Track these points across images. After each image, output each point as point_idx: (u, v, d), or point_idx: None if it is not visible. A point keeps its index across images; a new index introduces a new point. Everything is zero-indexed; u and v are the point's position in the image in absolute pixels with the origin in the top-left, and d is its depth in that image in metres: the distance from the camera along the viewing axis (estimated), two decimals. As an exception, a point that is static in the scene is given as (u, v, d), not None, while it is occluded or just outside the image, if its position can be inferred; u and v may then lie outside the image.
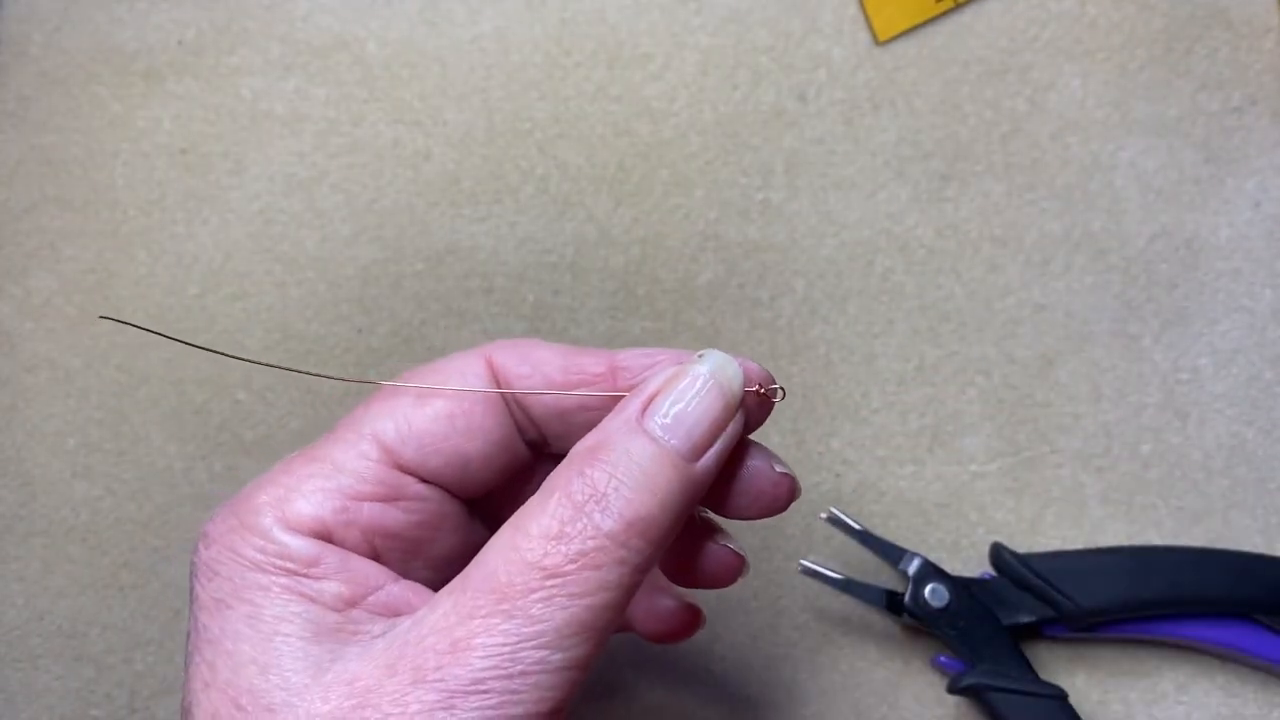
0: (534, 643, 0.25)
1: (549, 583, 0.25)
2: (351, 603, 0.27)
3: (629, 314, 0.42)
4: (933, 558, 0.39)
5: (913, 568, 0.39)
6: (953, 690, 0.38)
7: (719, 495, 0.30)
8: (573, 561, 0.25)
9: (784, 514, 0.41)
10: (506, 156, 0.43)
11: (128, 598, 0.42)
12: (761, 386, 0.29)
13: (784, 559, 0.41)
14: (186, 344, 0.32)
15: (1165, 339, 0.41)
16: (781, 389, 0.30)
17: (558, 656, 0.25)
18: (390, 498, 0.29)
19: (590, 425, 0.29)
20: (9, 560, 0.42)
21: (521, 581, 0.25)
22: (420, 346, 0.42)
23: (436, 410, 0.30)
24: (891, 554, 0.39)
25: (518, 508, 0.29)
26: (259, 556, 0.27)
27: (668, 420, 0.27)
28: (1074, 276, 0.42)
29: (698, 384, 0.28)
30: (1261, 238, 0.42)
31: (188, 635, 0.28)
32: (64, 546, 0.42)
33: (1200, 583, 0.38)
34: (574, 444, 0.30)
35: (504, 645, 0.25)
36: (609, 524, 0.26)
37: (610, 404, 0.29)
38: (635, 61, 0.43)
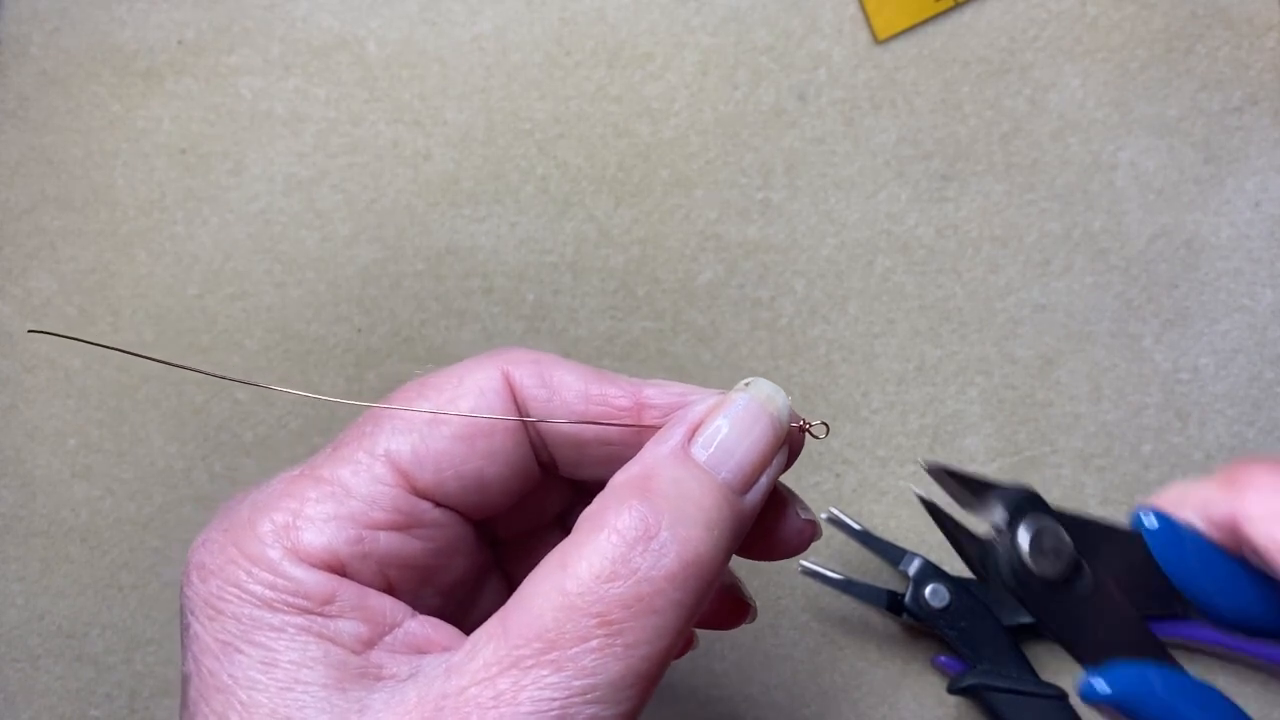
0: (585, 697, 0.23)
1: (602, 631, 0.23)
2: (370, 643, 0.25)
3: (629, 314, 0.42)
4: (933, 558, 0.39)
5: (913, 568, 0.39)
6: (953, 690, 0.38)
7: (748, 536, 0.28)
8: (627, 607, 0.23)
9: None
10: (506, 156, 0.43)
11: (127, 598, 0.42)
12: (805, 423, 0.28)
13: (784, 559, 0.41)
14: (132, 354, 0.30)
15: (1166, 339, 0.41)
16: (825, 424, 0.28)
17: (609, 712, 0.23)
18: (406, 526, 0.27)
19: (608, 459, 0.27)
20: (9, 560, 0.42)
21: (572, 629, 0.23)
22: (420, 346, 0.42)
23: (455, 429, 0.27)
24: (891, 554, 0.39)
25: (524, 528, 0.28)
26: (268, 594, 0.25)
27: (716, 451, 0.26)
28: (1074, 276, 0.42)
29: (747, 413, 0.26)
30: (1261, 238, 0.42)
31: (185, 678, 0.25)
32: (64, 547, 0.42)
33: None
34: (587, 472, 0.29)
35: (553, 700, 0.22)
36: (666, 564, 0.23)
37: (634, 437, 0.27)
38: (635, 61, 0.43)
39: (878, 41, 0.42)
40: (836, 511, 0.40)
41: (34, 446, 0.43)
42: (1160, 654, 0.24)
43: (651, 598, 0.23)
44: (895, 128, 0.42)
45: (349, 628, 0.25)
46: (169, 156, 0.43)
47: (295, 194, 0.43)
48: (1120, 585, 0.24)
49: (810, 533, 0.29)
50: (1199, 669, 0.39)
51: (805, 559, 0.40)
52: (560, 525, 0.32)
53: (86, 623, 0.42)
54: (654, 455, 0.25)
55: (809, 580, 0.40)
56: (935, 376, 0.42)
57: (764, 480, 0.26)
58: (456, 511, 0.28)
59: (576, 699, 0.22)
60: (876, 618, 0.40)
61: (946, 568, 0.39)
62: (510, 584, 0.31)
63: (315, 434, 0.42)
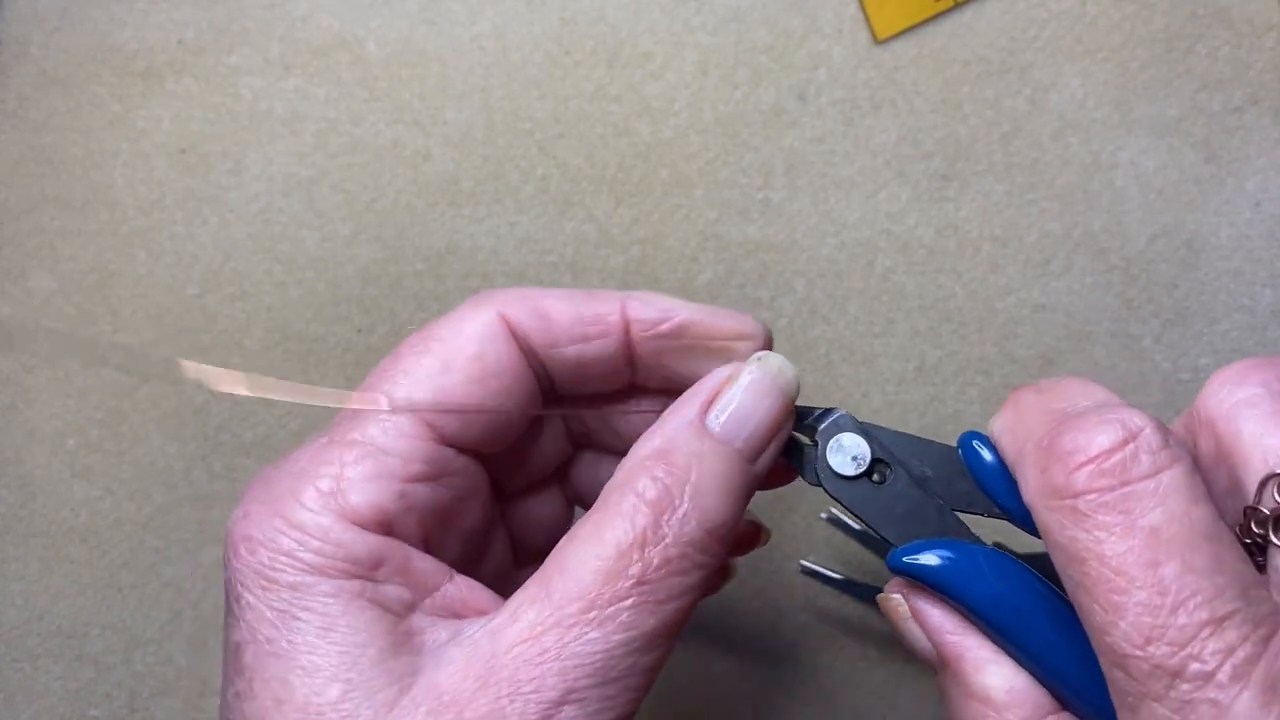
0: (625, 649, 0.25)
1: (638, 590, 0.25)
2: (411, 606, 0.27)
3: (629, 314, 0.42)
4: (933, 558, 0.39)
5: None
6: (953, 690, 0.38)
7: None
8: (658, 569, 0.25)
9: (784, 514, 0.41)
10: (506, 156, 0.43)
11: (127, 598, 0.42)
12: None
13: (784, 559, 0.41)
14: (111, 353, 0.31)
15: (1166, 339, 0.41)
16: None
17: (645, 659, 0.25)
18: (438, 475, 0.28)
19: (606, 376, 0.30)
20: (9, 560, 0.42)
21: (610, 591, 0.25)
22: (420, 346, 0.42)
23: (469, 375, 0.28)
24: (891, 554, 0.39)
25: (525, 482, 0.30)
26: (320, 560, 0.26)
27: (730, 422, 0.27)
28: (1074, 276, 0.42)
29: (760, 385, 0.28)
30: (1261, 238, 0.42)
31: (238, 646, 0.26)
32: (64, 547, 0.42)
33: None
34: (589, 388, 0.31)
35: (595, 653, 0.25)
36: (690, 530, 0.26)
37: (622, 356, 0.30)
38: (635, 61, 0.43)
39: (878, 41, 0.42)
40: (836, 511, 0.40)
41: (34, 446, 0.43)
42: (965, 535, 0.29)
43: (679, 560, 0.25)
44: (895, 128, 0.42)
45: (395, 592, 0.26)
46: (169, 156, 0.43)
47: (295, 194, 0.43)
48: (935, 487, 0.29)
49: (758, 534, 0.33)
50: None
51: (805, 559, 0.40)
52: (558, 480, 0.34)
53: (86, 623, 0.42)
54: (672, 427, 0.27)
55: (809, 580, 0.40)
56: (935, 376, 0.42)
57: (772, 448, 0.28)
58: (475, 456, 0.29)
59: (618, 651, 0.25)
60: (876, 618, 0.40)
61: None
62: (513, 538, 0.33)
63: (316, 432, 0.42)
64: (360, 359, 0.42)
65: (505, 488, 0.32)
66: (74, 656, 0.42)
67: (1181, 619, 0.23)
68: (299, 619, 0.26)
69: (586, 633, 0.25)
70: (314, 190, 0.43)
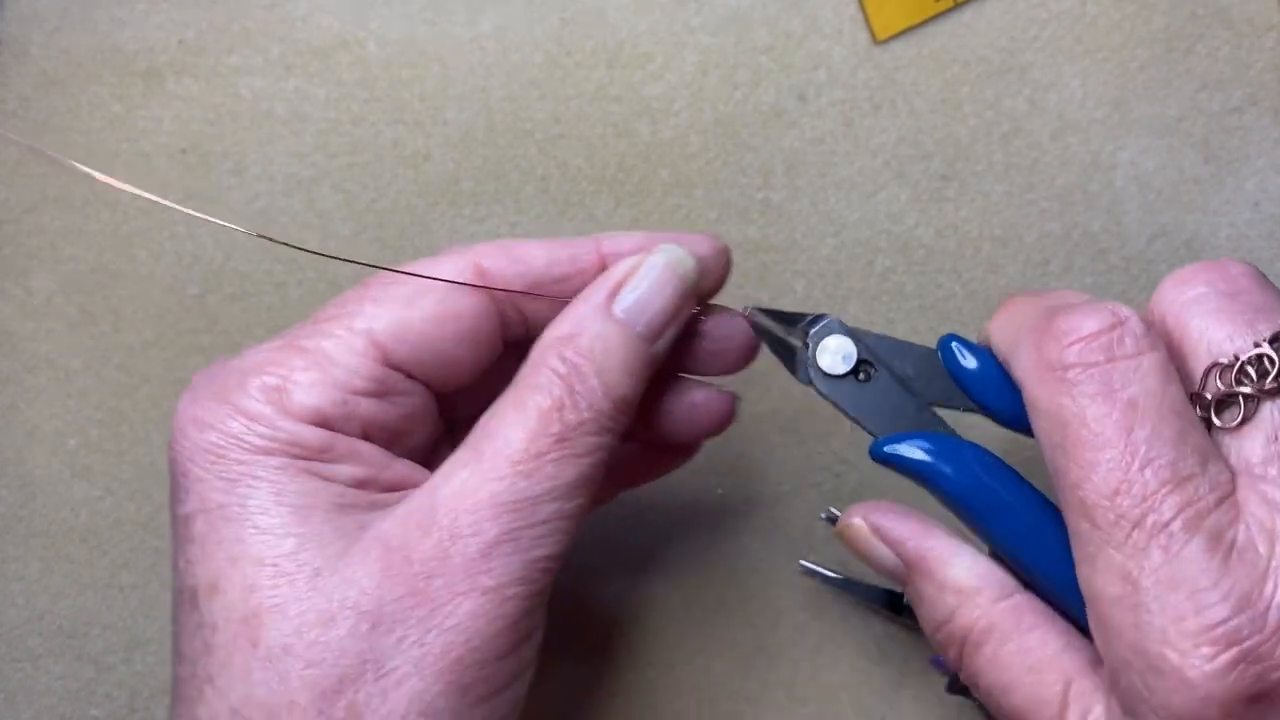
0: (550, 495, 0.28)
1: (559, 446, 0.28)
2: (364, 483, 0.29)
3: (629, 314, 0.42)
4: (933, 558, 0.39)
5: None
6: (952, 690, 0.38)
7: (658, 417, 0.34)
8: (575, 429, 0.29)
9: (784, 514, 0.41)
10: (507, 157, 0.43)
11: (128, 598, 0.42)
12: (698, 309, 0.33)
13: (784, 559, 0.41)
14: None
15: (1165, 339, 0.41)
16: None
17: (569, 505, 0.29)
18: (383, 393, 0.30)
19: None
20: (9, 560, 0.42)
21: (535, 447, 0.28)
22: (420, 346, 0.42)
23: (429, 312, 0.31)
24: (891, 554, 0.39)
25: (480, 408, 0.32)
26: (268, 444, 0.28)
27: (633, 307, 0.30)
28: (1074, 276, 0.42)
29: (660, 274, 0.31)
30: (1261, 238, 0.42)
31: (186, 518, 0.28)
32: (64, 547, 0.42)
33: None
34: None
35: (526, 499, 0.28)
36: (597, 400, 0.29)
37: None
38: (635, 61, 0.43)
39: (877, 41, 0.43)
40: (836, 511, 0.40)
41: (34, 446, 0.43)
42: (943, 429, 0.32)
43: (591, 422, 0.29)
44: (895, 128, 0.42)
45: (345, 470, 0.29)
46: (169, 156, 0.43)
47: (296, 194, 0.43)
48: (916, 385, 0.32)
49: (728, 403, 0.35)
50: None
51: (805, 559, 0.40)
52: None
53: (86, 622, 0.42)
54: (580, 312, 0.30)
55: (809, 580, 0.40)
56: (935, 376, 0.42)
57: (670, 331, 0.31)
58: (426, 384, 0.31)
59: (545, 497, 0.28)
60: (876, 617, 0.40)
61: (946, 567, 0.39)
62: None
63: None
64: (360, 359, 0.42)
65: (461, 412, 0.34)
66: (74, 656, 0.42)
67: (1147, 475, 0.25)
68: (250, 486, 0.28)
69: (517, 483, 0.28)
70: (314, 190, 0.43)
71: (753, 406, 0.41)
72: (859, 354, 0.32)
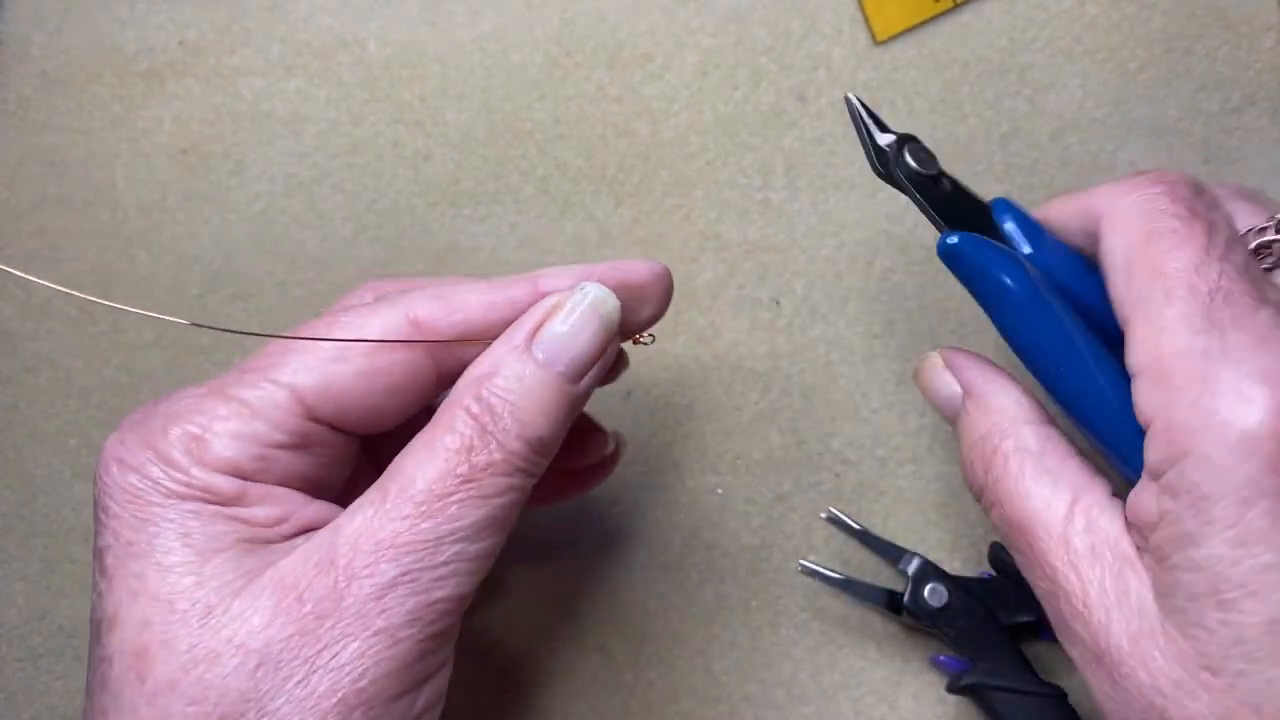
0: (453, 537, 0.28)
1: (464, 487, 0.28)
2: (276, 523, 0.29)
3: (629, 314, 0.42)
4: (933, 558, 0.39)
5: (912, 567, 0.39)
6: (952, 690, 0.38)
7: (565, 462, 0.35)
8: (483, 470, 0.28)
9: (783, 514, 0.41)
10: (507, 157, 0.43)
11: (128, 597, 0.42)
12: (639, 335, 0.33)
13: (784, 559, 0.41)
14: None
15: (1165, 339, 0.41)
16: (653, 335, 0.33)
17: (473, 548, 0.28)
18: (302, 446, 0.30)
19: None
20: (10, 560, 0.42)
21: (440, 488, 0.28)
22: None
23: (357, 366, 0.30)
24: (891, 554, 0.39)
25: (408, 437, 0.31)
26: (181, 489, 0.29)
27: (552, 347, 0.30)
28: (1073, 276, 0.42)
29: (581, 314, 0.31)
30: (1261, 238, 0.42)
31: (102, 550, 0.29)
32: (65, 546, 0.42)
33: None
34: None
35: (427, 541, 0.28)
36: (509, 441, 0.29)
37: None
38: (635, 61, 0.43)
39: (877, 42, 0.43)
40: (836, 511, 0.40)
41: (35, 446, 0.43)
42: (998, 237, 0.33)
43: (501, 464, 0.29)
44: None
45: (259, 512, 0.29)
46: (170, 157, 0.43)
47: (296, 194, 0.43)
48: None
49: (602, 441, 0.36)
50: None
51: (805, 559, 0.40)
52: None
53: (87, 622, 0.42)
54: (499, 352, 0.30)
55: (809, 580, 0.40)
56: (935, 376, 0.42)
57: (594, 370, 0.31)
58: (351, 434, 0.31)
59: (446, 539, 0.28)
60: (876, 617, 0.40)
61: (946, 567, 0.39)
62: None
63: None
64: (361, 359, 0.42)
65: (388, 452, 0.34)
66: (75, 656, 0.42)
67: (1224, 265, 0.28)
68: (159, 525, 0.28)
69: (419, 524, 0.28)
70: (315, 190, 0.43)
71: (753, 406, 0.41)
72: (940, 169, 0.33)
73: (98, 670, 0.28)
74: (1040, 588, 0.30)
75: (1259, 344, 0.27)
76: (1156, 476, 0.28)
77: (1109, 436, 0.31)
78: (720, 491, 0.41)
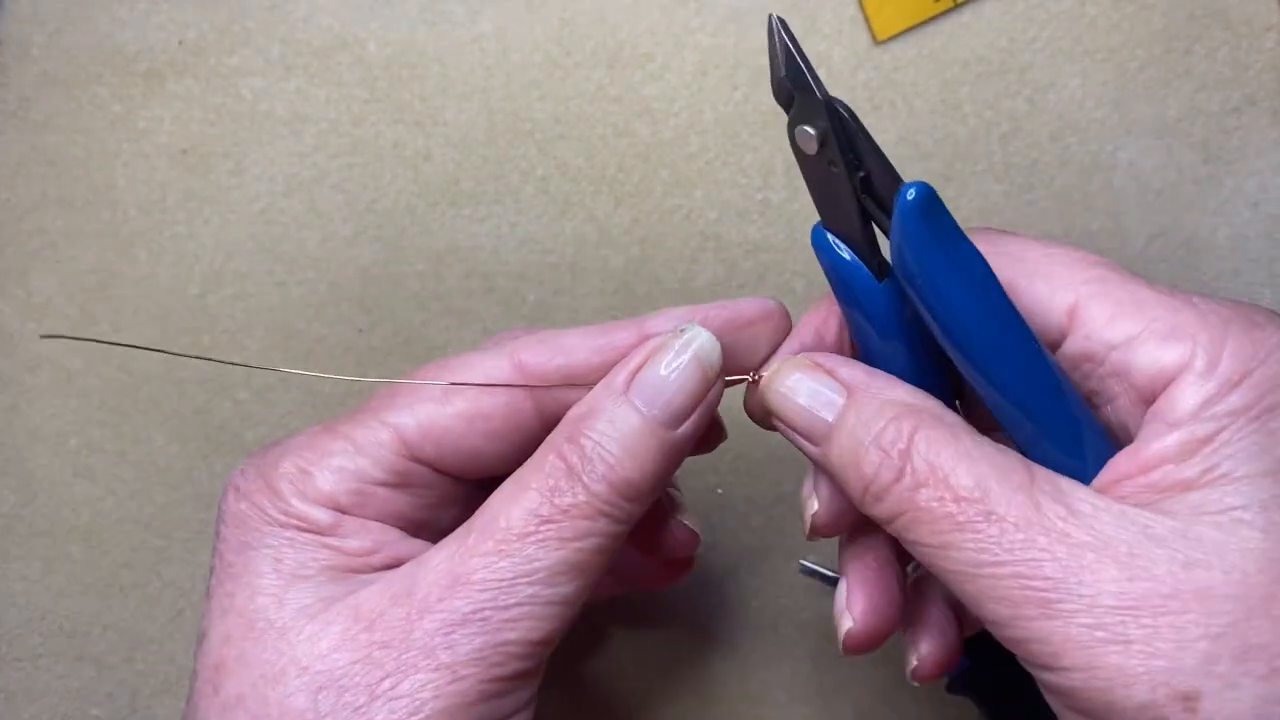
0: (528, 579, 0.28)
1: (543, 528, 0.28)
2: (369, 554, 0.30)
3: (629, 314, 0.42)
4: (932, 557, 0.39)
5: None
6: (952, 690, 0.38)
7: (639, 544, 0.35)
8: (565, 512, 0.28)
9: (783, 514, 0.41)
10: (507, 157, 0.43)
11: (129, 597, 0.42)
12: (754, 373, 0.32)
13: (784, 559, 0.41)
14: (153, 349, 0.32)
15: (1164, 339, 0.41)
16: (762, 375, 0.32)
17: (549, 591, 0.28)
18: (402, 485, 0.31)
19: None
20: (10, 560, 0.42)
21: (520, 527, 0.28)
22: (421, 347, 0.42)
23: (459, 409, 0.31)
24: (891, 553, 0.39)
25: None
26: (281, 518, 0.30)
27: (648, 391, 0.30)
28: (1073, 276, 0.42)
29: (676, 356, 0.30)
30: (1260, 238, 0.42)
31: (211, 571, 0.30)
32: (65, 546, 0.42)
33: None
34: None
35: (502, 580, 0.28)
36: (595, 485, 0.29)
37: None
38: (635, 61, 0.43)
39: (877, 42, 0.43)
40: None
41: (35, 446, 0.43)
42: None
43: (585, 506, 0.29)
44: (894, 128, 0.42)
45: (352, 543, 0.30)
46: (170, 157, 0.43)
47: (296, 194, 0.43)
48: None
49: (691, 541, 0.35)
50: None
51: (805, 559, 0.40)
52: None
53: (88, 622, 0.42)
54: (597, 395, 0.30)
55: (809, 580, 0.40)
56: (935, 376, 0.42)
57: (696, 415, 0.30)
58: (455, 476, 0.32)
59: (521, 580, 0.28)
60: (876, 617, 0.40)
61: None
62: None
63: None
64: (361, 359, 0.43)
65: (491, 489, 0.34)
66: (75, 656, 0.42)
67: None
68: (256, 550, 0.30)
69: (496, 562, 0.28)
70: (315, 190, 0.43)
71: (753, 406, 0.41)
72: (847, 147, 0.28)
73: (190, 682, 0.30)
74: (995, 562, 0.26)
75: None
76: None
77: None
78: (720, 491, 0.41)
